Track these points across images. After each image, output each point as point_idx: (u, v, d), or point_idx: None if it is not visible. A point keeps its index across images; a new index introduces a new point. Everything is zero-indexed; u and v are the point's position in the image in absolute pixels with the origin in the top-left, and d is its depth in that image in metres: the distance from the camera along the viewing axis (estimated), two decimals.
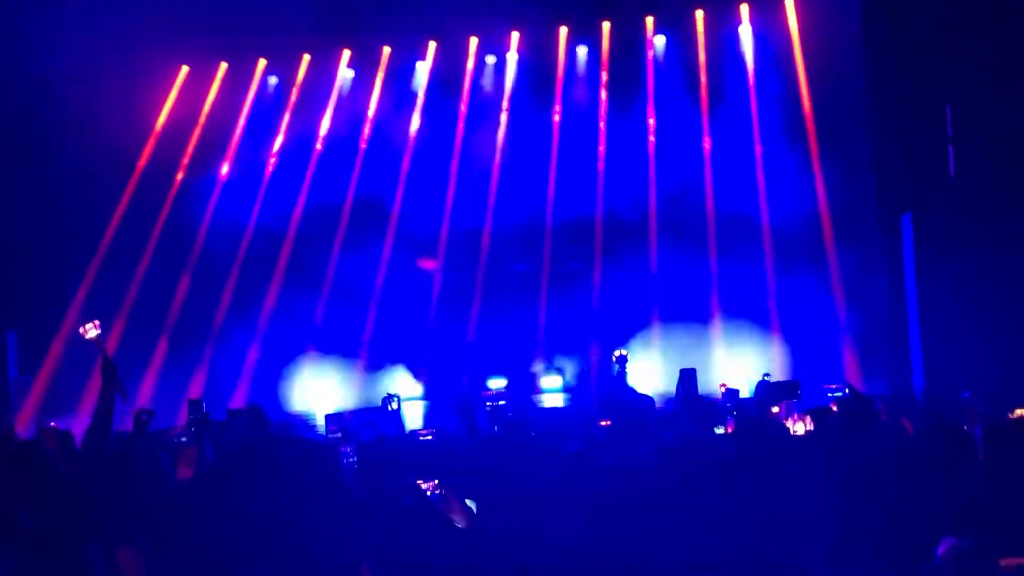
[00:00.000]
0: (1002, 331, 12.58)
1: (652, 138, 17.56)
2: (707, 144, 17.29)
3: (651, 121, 17.64)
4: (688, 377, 9.48)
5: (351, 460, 6.91)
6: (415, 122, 18.16)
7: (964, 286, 13.02)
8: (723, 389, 11.41)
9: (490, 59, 18.40)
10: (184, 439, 7.92)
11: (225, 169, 18.03)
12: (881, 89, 15.10)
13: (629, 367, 11.36)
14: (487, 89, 18.30)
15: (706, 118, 17.40)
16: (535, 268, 17.62)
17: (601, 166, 17.60)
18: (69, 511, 4.99)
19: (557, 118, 17.96)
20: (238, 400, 15.93)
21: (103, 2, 15.58)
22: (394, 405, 8.78)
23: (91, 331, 8.14)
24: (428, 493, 4.16)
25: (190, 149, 17.94)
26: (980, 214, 13.18)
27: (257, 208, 17.84)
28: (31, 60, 15.09)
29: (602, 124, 17.78)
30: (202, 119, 18.09)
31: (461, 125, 18.12)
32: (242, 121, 18.25)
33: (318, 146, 18.20)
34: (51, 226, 16.63)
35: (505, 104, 18.12)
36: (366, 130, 18.20)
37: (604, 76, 17.86)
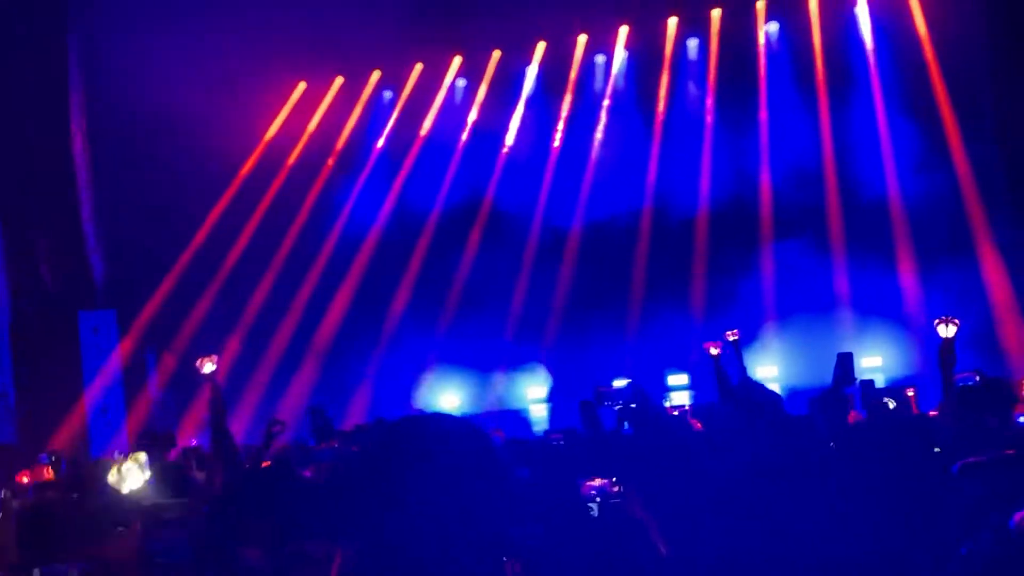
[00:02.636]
0: None
1: (765, 129, 16.98)
2: (826, 130, 16.64)
3: (763, 112, 17.06)
4: (845, 360, 8.66)
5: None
6: (515, 123, 17.94)
7: None
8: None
9: (599, 59, 18.10)
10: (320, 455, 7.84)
11: (330, 162, 18.13)
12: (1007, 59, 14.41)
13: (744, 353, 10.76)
14: (597, 88, 18.01)
15: (824, 104, 16.75)
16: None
17: (707, 161, 17.09)
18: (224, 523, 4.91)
19: (661, 108, 17.52)
20: (360, 409, 15.84)
21: (228, 26, 15.59)
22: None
23: (207, 365, 8.12)
24: (604, 493, 3.89)
25: (293, 158, 18.01)
26: None
27: (348, 209, 17.96)
28: (151, 80, 14.96)
29: (709, 118, 17.28)
30: (310, 129, 18.19)
31: (563, 124, 17.84)
32: (350, 127, 18.29)
33: (421, 134, 18.09)
34: (173, 242, 16.81)
35: (606, 102, 17.77)
36: (465, 135, 18.06)
37: (713, 66, 17.39)
